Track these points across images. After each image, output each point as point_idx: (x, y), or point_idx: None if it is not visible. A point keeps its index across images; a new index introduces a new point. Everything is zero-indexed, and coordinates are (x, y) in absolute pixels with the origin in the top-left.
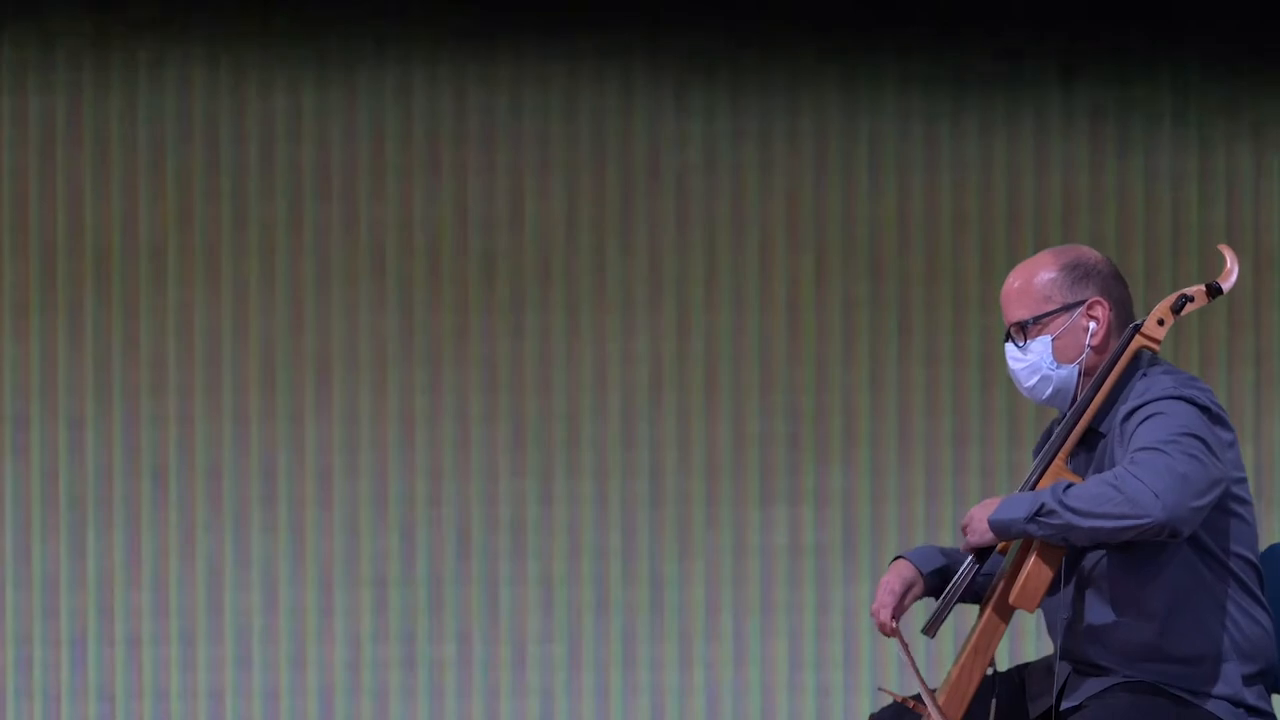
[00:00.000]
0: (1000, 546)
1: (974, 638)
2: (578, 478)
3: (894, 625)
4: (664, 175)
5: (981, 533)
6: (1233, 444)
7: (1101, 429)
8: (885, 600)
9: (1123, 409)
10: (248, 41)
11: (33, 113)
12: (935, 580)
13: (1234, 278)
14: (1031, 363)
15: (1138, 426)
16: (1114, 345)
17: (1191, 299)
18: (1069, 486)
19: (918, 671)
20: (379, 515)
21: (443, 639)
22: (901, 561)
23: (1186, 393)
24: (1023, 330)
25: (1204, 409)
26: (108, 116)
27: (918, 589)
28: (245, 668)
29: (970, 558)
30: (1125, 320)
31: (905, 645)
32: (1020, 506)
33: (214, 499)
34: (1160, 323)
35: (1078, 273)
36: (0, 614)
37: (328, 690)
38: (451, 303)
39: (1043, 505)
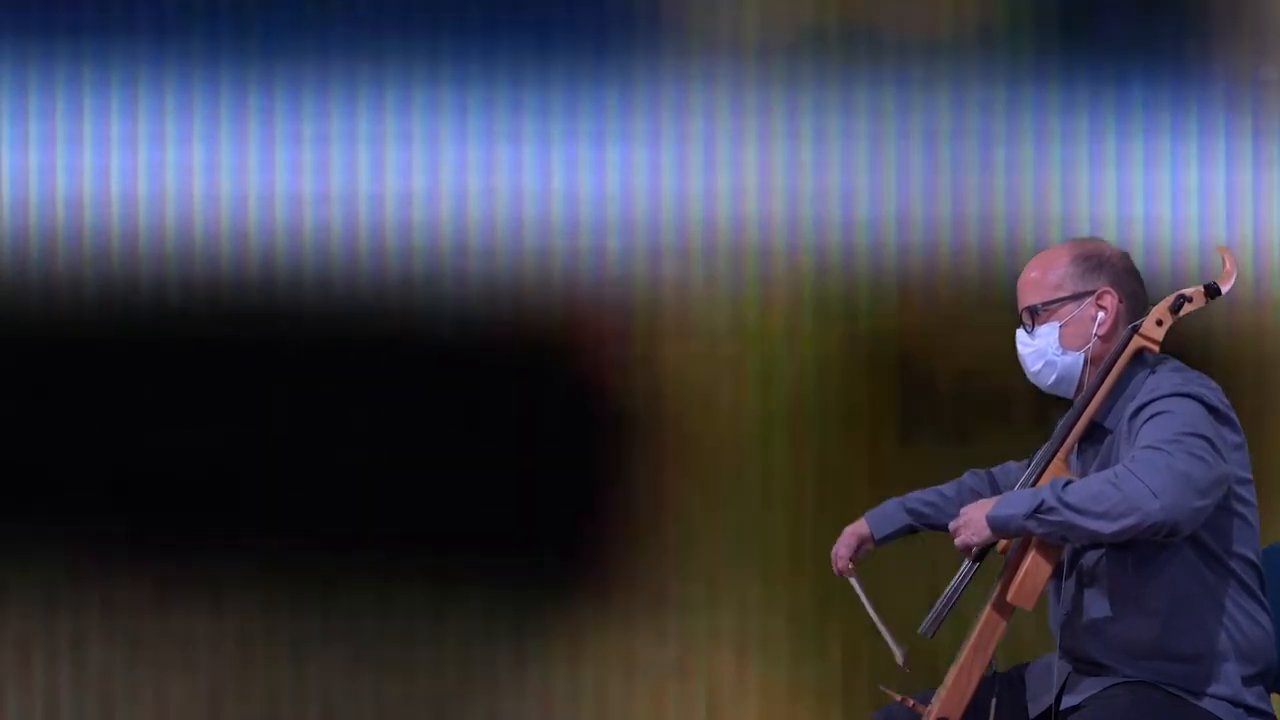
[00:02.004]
0: (1000, 546)
1: (973, 637)
2: None
3: (850, 567)
4: None
5: (979, 530)
6: (1240, 446)
7: (1107, 424)
8: (842, 552)
9: (1130, 406)
10: None
11: None
12: (891, 541)
13: (1233, 279)
14: (1038, 348)
15: (1143, 424)
16: (1122, 336)
17: (1190, 299)
18: (1068, 483)
19: (872, 610)
20: None
21: None
22: (862, 521)
23: (1194, 390)
24: (1032, 316)
25: (1211, 408)
26: None
27: (868, 547)
28: None
29: (969, 562)
30: (1136, 314)
31: (860, 584)
32: (1020, 503)
33: None
34: (1159, 323)
35: (1090, 263)
36: None
37: None
38: None
39: (1042, 502)
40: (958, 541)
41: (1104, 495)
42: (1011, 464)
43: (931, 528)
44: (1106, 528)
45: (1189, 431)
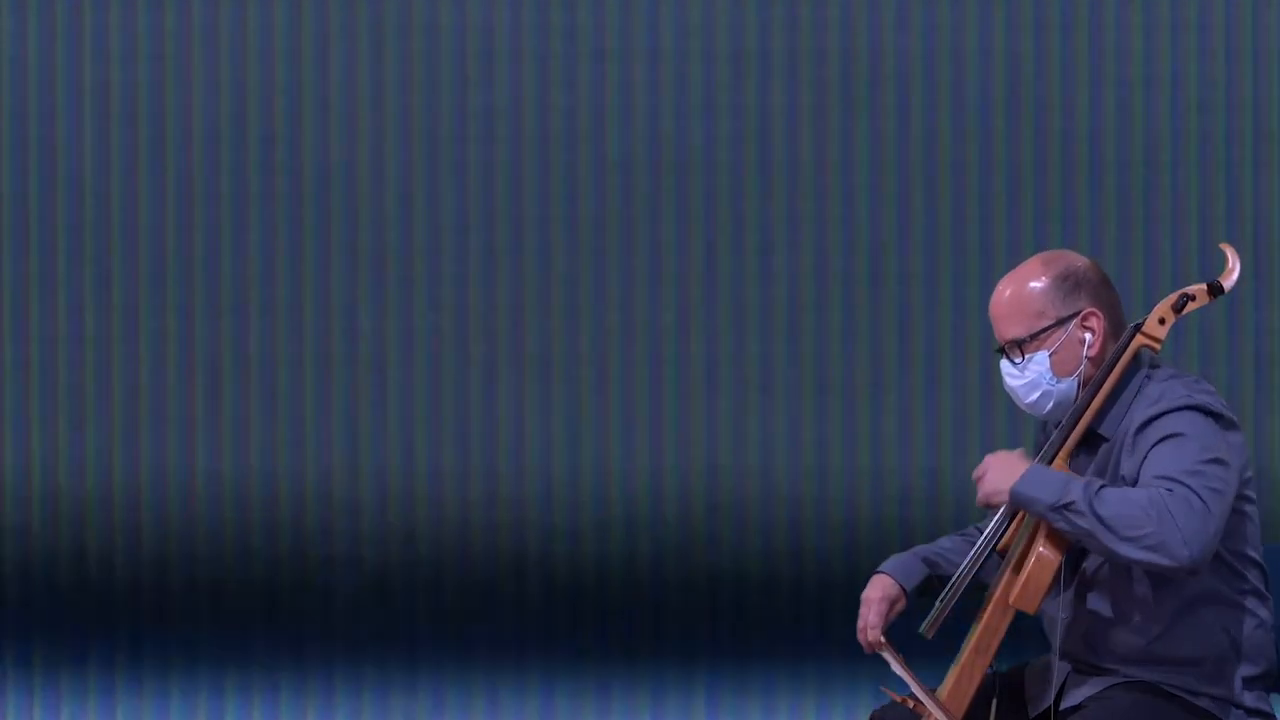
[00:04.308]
0: (1001, 545)
1: (974, 638)
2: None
3: (883, 641)
4: None
5: (998, 494)
6: (1242, 446)
7: (1103, 431)
8: (873, 621)
9: (1135, 416)
10: None
11: None
12: (918, 594)
13: (1235, 276)
14: (1031, 379)
15: (1156, 445)
16: (1110, 352)
17: (1193, 298)
18: (1102, 488)
19: (913, 676)
20: None
21: None
22: (884, 577)
23: (1199, 400)
24: (1019, 347)
25: (1217, 416)
26: None
27: (901, 604)
28: None
29: (970, 559)
30: (1118, 326)
31: (896, 656)
32: (1048, 489)
33: None
34: (1161, 322)
35: (1069, 284)
36: None
37: None
38: None
39: (1072, 501)
40: (980, 497)
41: (1137, 522)
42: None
43: (941, 580)
44: (1127, 553)
45: (1208, 458)
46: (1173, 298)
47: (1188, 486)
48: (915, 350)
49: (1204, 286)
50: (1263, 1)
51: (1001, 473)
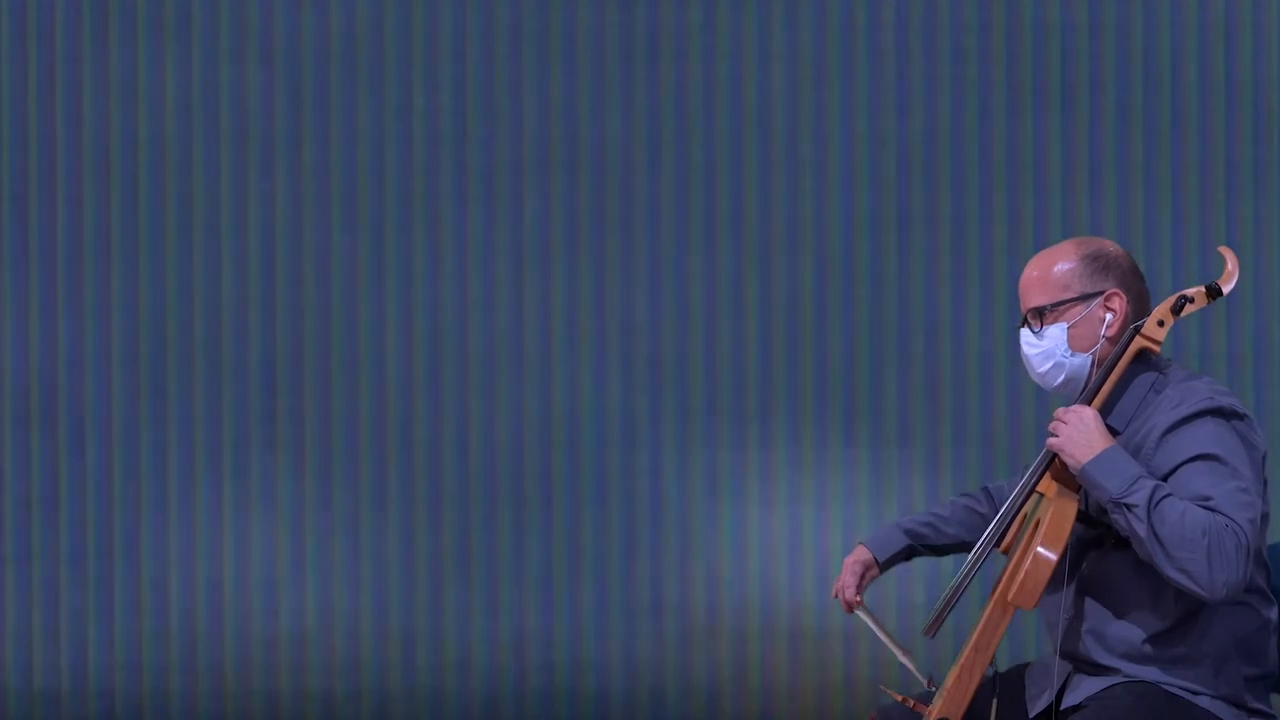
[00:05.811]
0: (1003, 546)
1: (975, 636)
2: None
3: (859, 599)
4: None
5: (1069, 456)
6: (1262, 442)
7: (1111, 424)
8: (849, 581)
9: (1159, 420)
10: None
11: None
12: (893, 565)
13: (1234, 280)
14: (1046, 349)
15: (1192, 463)
16: (1123, 337)
17: (1191, 300)
18: (1165, 498)
19: (888, 635)
20: None
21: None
22: (861, 547)
23: (1223, 402)
24: (1039, 316)
25: (1240, 416)
26: None
27: (873, 573)
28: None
29: (971, 560)
30: (1141, 315)
31: (870, 615)
32: (1116, 480)
33: None
34: (1160, 324)
35: (1098, 264)
36: None
37: None
38: None
39: (1135, 505)
40: (1050, 442)
41: (1189, 547)
42: (1003, 483)
43: (930, 549)
44: (1166, 570)
45: (1243, 486)
46: (1171, 300)
47: (1238, 524)
48: (916, 353)
49: (1202, 289)
50: (1263, 1)
51: (1079, 440)
